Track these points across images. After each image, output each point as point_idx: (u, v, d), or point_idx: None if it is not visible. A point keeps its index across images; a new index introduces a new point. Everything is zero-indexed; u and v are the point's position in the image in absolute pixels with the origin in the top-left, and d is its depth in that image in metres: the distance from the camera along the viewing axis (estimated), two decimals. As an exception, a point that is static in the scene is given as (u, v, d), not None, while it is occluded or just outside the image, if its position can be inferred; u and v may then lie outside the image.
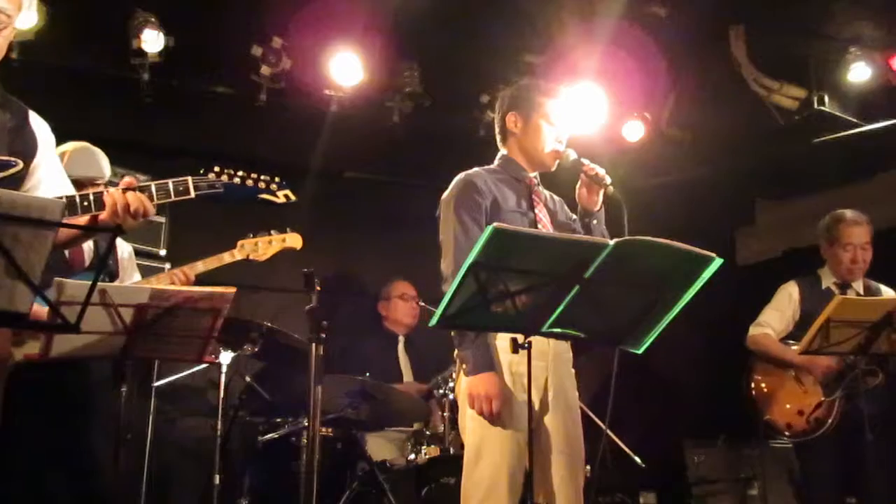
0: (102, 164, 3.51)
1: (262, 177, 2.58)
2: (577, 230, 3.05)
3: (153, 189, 2.40)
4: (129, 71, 4.62)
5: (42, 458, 3.16)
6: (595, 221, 2.99)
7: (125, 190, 2.35)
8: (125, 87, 4.70)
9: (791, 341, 4.07)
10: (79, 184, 3.29)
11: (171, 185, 2.43)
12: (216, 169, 2.49)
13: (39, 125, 2.52)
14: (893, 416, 3.75)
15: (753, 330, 4.15)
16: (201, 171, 2.48)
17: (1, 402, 2.42)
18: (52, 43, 4.37)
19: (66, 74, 4.59)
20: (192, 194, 2.45)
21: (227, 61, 4.85)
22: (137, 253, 3.90)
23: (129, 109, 4.81)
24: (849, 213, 4.11)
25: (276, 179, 2.60)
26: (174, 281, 3.47)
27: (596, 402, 3.97)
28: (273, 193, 2.59)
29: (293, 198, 2.62)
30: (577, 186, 3.01)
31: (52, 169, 2.53)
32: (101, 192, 2.37)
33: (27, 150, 2.44)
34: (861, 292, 4.07)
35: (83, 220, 2.37)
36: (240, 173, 2.53)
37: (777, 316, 4.12)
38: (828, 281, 4.13)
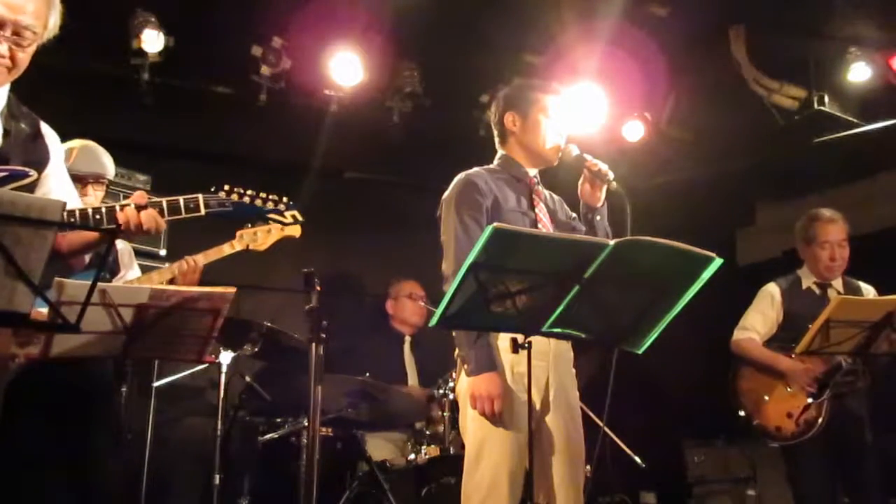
0: (107, 162, 3.53)
1: (271, 196, 2.62)
2: (577, 228, 3.05)
3: (164, 206, 2.44)
4: (129, 71, 4.62)
5: (42, 458, 3.16)
6: (598, 217, 2.99)
7: (139, 208, 2.38)
8: (125, 87, 4.70)
9: (775, 343, 4.08)
10: (83, 180, 3.32)
11: (182, 203, 2.47)
12: (226, 187, 2.54)
13: (50, 136, 2.56)
14: (881, 415, 3.75)
15: (738, 334, 4.15)
16: (212, 189, 2.52)
17: (1, 402, 2.42)
18: (52, 43, 4.37)
19: (66, 74, 4.59)
20: (203, 212, 2.50)
21: (227, 61, 4.85)
22: (137, 253, 3.90)
23: (129, 109, 4.80)
24: (824, 212, 4.14)
25: (284, 199, 2.64)
26: (183, 267, 3.46)
27: (595, 401, 3.97)
28: (281, 213, 2.63)
29: (301, 218, 2.67)
30: (580, 182, 3.01)
31: (62, 179, 2.58)
32: (114, 207, 2.40)
33: (41, 160, 2.47)
34: (841, 290, 4.07)
35: None
36: (249, 192, 2.57)
37: (761, 319, 4.13)
38: (808, 281, 4.14)
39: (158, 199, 2.46)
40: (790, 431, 3.89)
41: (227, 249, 3.54)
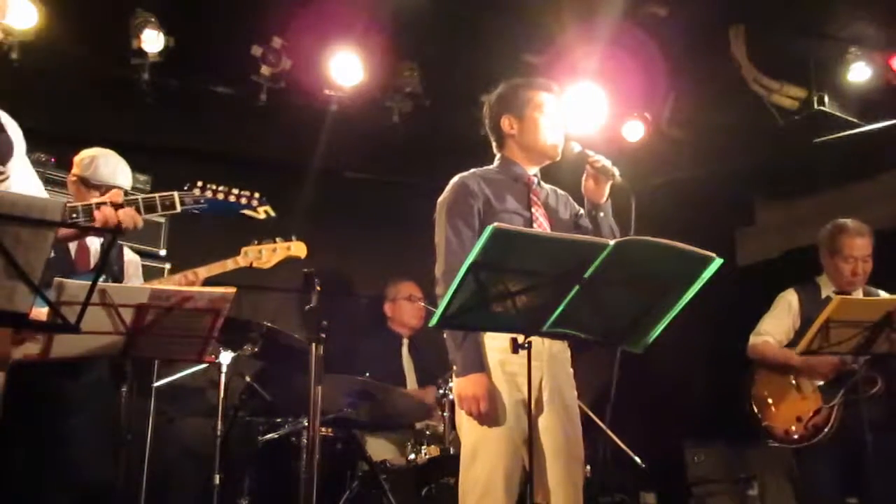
0: (125, 172, 3.55)
1: (244, 192, 2.68)
2: (582, 226, 3.03)
3: (140, 203, 2.47)
4: (129, 71, 4.62)
5: (41, 459, 3.16)
6: (602, 214, 2.95)
7: (116, 206, 2.40)
8: (125, 87, 4.70)
9: (789, 349, 4.07)
10: (101, 188, 3.35)
11: (157, 200, 2.51)
12: (199, 184, 2.58)
13: (12, 126, 2.53)
14: (892, 422, 3.73)
15: (753, 339, 4.13)
16: (186, 187, 2.57)
17: (0, 403, 2.42)
18: (53, 43, 4.38)
19: (66, 74, 4.59)
20: (178, 209, 2.56)
21: (227, 61, 4.85)
22: (138, 253, 3.90)
23: (129, 109, 4.81)
24: (851, 224, 4.02)
25: (257, 195, 2.70)
26: (182, 282, 3.48)
27: (596, 402, 3.97)
28: (254, 209, 2.70)
29: (273, 213, 2.75)
30: (583, 179, 2.97)
31: (27, 170, 2.56)
32: (91, 205, 2.41)
33: (4, 152, 2.46)
34: None
35: None
36: (222, 188, 2.63)
37: (777, 324, 4.09)
38: (827, 290, 4.07)
39: (134, 197, 2.50)
40: (798, 434, 3.88)
41: (230, 265, 3.56)
